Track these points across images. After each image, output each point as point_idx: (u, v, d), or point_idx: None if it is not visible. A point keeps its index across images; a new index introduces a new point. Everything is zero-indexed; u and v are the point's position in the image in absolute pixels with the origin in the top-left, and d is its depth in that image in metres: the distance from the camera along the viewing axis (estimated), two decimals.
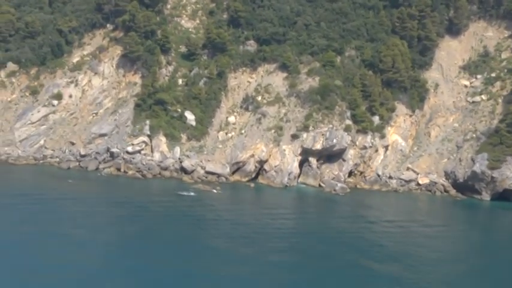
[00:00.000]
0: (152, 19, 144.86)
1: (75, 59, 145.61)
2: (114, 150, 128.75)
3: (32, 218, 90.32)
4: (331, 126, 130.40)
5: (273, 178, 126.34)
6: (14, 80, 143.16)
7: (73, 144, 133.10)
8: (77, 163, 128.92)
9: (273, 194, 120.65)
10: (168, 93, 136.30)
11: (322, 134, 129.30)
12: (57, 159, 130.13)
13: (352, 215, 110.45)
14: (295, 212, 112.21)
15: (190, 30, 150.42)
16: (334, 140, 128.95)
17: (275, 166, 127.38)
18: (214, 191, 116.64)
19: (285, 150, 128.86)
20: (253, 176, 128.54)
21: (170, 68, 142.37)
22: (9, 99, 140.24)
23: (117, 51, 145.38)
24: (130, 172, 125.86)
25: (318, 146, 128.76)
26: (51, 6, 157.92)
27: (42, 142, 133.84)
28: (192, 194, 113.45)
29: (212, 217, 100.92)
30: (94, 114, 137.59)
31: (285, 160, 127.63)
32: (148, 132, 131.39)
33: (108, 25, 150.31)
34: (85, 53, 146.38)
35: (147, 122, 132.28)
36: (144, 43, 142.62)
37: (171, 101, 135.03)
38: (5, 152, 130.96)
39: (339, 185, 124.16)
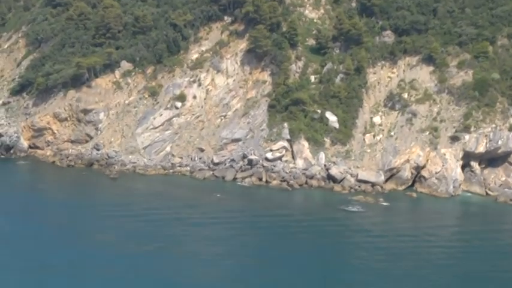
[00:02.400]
0: (277, 10, 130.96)
1: (194, 55, 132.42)
2: (252, 157, 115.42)
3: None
4: (494, 126, 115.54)
5: (436, 186, 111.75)
6: (129, 80, 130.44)
7: (202, 150, 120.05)
8: (211, 172, 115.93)
9: (445, 205, 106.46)
10: (303, 92, 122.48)
11: (486, 135, 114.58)
12: (188, 168, 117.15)
13: None
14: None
15: (315, 21, 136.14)
16: (499, 142, 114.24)
17: (436, 173, 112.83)
18: (384, 203, 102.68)
19: (444, 154, 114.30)
20: (410, 183, 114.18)
21: (300, 64, 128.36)
22: (127, 101, 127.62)
23: (240, 46, 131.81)
24: (274, 182, 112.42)
25: (481, 149, 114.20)
26: None
27: (168, 149, 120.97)
28: (360, 209, 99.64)
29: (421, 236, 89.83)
30: (222, 117, 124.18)
31: (447, 166, 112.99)
32: (288, 137, 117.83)
33: (225, 17, 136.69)
34: (203, 49, 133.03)
35: (285, 125, 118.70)
36: (270, 37, 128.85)
37: (308, 100, 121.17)
38: (130, 161, 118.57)
39: None
